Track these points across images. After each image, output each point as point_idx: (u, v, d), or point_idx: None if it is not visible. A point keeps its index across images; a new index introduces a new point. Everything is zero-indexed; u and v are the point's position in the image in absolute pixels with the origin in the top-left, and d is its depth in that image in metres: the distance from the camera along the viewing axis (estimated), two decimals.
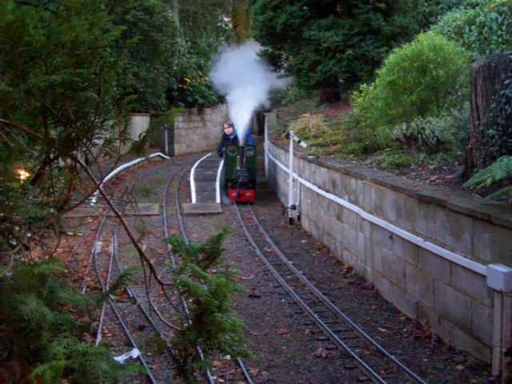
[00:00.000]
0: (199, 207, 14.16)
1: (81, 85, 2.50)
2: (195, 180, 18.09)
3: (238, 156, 15.38)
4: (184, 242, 3.04)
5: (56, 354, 2.21)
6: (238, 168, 15.14)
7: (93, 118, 2.63)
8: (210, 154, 26.17)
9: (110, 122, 2.76)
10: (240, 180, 14.77)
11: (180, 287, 2.65)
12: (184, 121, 28.19)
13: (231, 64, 18.76)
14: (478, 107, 6.97)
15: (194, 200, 15.19)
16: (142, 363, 5.73)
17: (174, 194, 16.08)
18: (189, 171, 20.30)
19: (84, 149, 2.67)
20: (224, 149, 16.41)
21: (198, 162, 23.40)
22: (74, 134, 2.52)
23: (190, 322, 2.79)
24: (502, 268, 5.43)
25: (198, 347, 2.85)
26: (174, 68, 26.23)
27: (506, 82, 6.60)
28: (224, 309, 2.62)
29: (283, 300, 7.83)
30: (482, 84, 6.87)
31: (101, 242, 10.43)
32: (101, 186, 3.01)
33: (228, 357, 5.92)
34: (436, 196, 6.59)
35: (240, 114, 16.82)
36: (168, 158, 26.01)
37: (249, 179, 14.98)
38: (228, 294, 2.60)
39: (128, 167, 19.56)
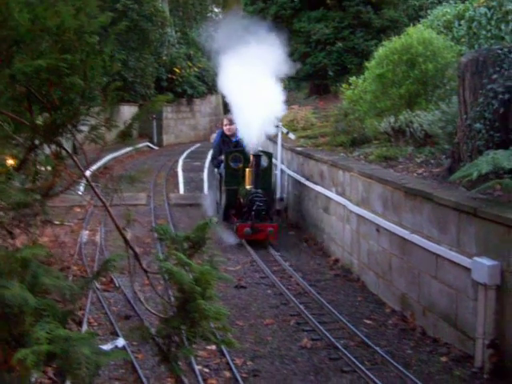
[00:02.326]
0: (187, 198, 14.14)
1: (66, 71, 2.49)
2: (183, 170, 18.05)
3: (248, 169, 10.40)
4: (170, 231, 3.04)
5: (38, 338, 2.21)
6: (249, 187, 10.26)
7: (78, 105, 2.62)
8: (198, 145, 26.14)
9: (96, 109, 2.75)
10: (256, 207, 9.79)
11: (165, 275, 2.66)
12: (173, 111, 28.12)
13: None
14: (465, 101, 6.99)
15: (181, 190, 15.16)
16: (127, 352, 5.73)
17: (161, 184, 16.04)
18: (177, 162, 20.26)
19: (69, 135, 2.66)
20: (223, 157, 11.14)
21: (187, 152, 23.36)
22: (58, 121, 2.51)
23: (174, 309, 2.80)
24: (486, 261, 5.47)
25: (183, 335, 2.86)
26: (164, 58, 26.14)
27: (494, 76, 6.63)
28: (208, 296, 2.63)
29: (269, 291, 7.85)
30: (469, 78, 6.89)
31: (87, 232, 10.40)
32: (87, 175, 3.01)
33: (213, 347, 5.93)
34: (423, 189, 6.62)
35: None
36: (156, 148, 25.95)
37: (267, 206, 10.07)
38: (212, 282, 2.61)
39: (116, 157, 19.49)
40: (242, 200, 10.38)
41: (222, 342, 2.89)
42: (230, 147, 11.42)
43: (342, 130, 12.06)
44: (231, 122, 11.61)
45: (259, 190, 10.04)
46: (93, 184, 2.91)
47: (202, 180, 16.41)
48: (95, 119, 2.76)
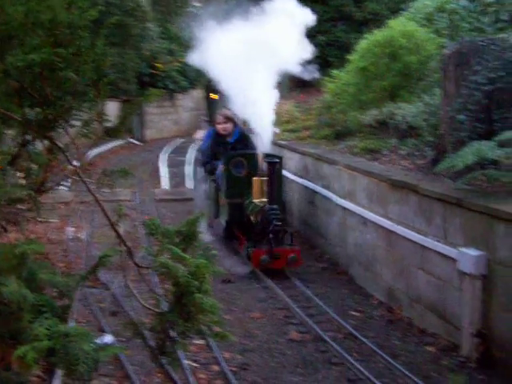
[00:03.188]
0: (172, 193, 14.11)
1: (60, 65, 2.48)
2: (167, 166, 17.99)
3: (256, 178, 8.47)
4: (160, 225, 3.04)
5: (37, 335, 2.20)
6: (257, 201, 8.33)
7: (71, 99, 2.61)
8: (182, 140, 26.03)
9: (88, 104, 2.73)
10: (272, 227, 7.84)
11: (159, 269, 2.66)
12: (155, 106, 27.98)
13: None
14: (449, 93, 7.03)
15: (166, 186, 15.12)
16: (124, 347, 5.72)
17: (146, 179, 15.99)
18: (161, 157, 20.19)
19: (62, 130, 2.65)
20: (218, 162, 9.35)
21: (170, 147, 23.27)
22: (51, 116, 2.50)
23: (169, 304, 2.80)
24: (472, 251, 5.53)
25: (178, 330, 2.86)
26: (145, 53, 26.00)
27: (477, 68, 6.67)
28: (204, 290, 2.63)
29: (257, 285, 7.86)
30: (453, 70, 6.93)
31: (73, 228, 10.35)
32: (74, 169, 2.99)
33: (202, 341, 5.93)
34: (408, 181, 6.67)
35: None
36: (139, 143, 25.82)
37: (285, 223, 8.45)
38: (207, 276, 2.62)
39: (100, 153, 19.38)
40: (252, 217, 8.33)
41: (216, 335, 2.91)
42: (226, 150, 9.35)
43: (326, 123, 12.08)
44: (227, 120, 9.55)
45: (275, 206, 7.93)
46: (85, 180, 2.90)
47: (186, 175, 16.36)
48: (87, 114, 2.75)
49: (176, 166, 17.81)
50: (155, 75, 26.93)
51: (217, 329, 3.07)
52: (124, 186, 13.39)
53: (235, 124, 9.63)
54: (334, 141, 10.64)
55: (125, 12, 21.56)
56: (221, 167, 9.07)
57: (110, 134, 2.92)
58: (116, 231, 3.11)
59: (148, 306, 3.30)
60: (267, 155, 8.50)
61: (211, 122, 30.25)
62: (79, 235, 9.99)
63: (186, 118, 30.77)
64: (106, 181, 2.99)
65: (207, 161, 9.80)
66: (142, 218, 11.33)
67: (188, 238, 2.85)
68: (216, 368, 5.52)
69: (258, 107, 8.43)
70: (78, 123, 2.84)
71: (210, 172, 9.70)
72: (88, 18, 2.53)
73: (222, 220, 9.17)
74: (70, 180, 3.23)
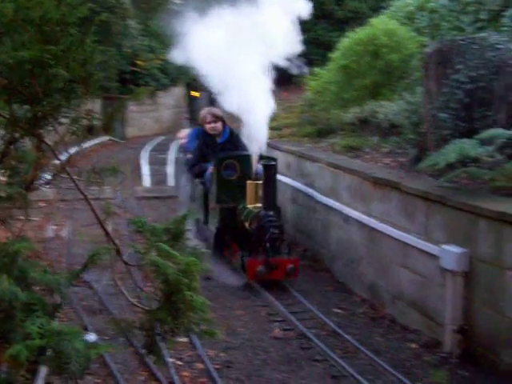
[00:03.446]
0: (153, 190, 14.06)
1: (50, 62, 2.46)
2: (149, 163, 17.91)
3: (251, 182, 7.86)
4: (147, 223, 3.04)
5: (29, 333, 2.18)
6: (251, 206, 7.79)
7: (60, 97, 2.59)
8: (163, 138, 25.94)
9: (77, 101, 2.71)
10: (269, 236, 7.31)
11: (148, 267, 2.65)
12: (136, 104, 27.85)
13: None
14: (430, 91, 7.09)
15: (148, 183, 15.07)
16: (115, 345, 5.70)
17: (127, 177, 15.89)
18: (142, 155, 20.10)
19: (50, 128, 2.63)
20: (207, 164, 8.75)
21: (151, 145, 23.18)
22: (40, 113, 2.48)
23: (159, 301, 2.80)
24: (454, 248, 5.58)
25: (167, 327, 2.86)
26: (126, 50, 25.87)
27: (458, 67, 6.73)
28: (193, 288, 2.63)
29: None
30: (434, 69, 6.99)
31: (54, 227, 10.28)
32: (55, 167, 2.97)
33: (185, 339, 5.93)
34: (390, 178, 6.71)
35: None
36: (120, 141, 25.70)
37: (282, 230, 7.60)
38: (196, 274, 2.62)
39: (80, 151, 19.22)
40: (246, 224, 7.73)
41: (204, 333, 2.91)
42: (215, 151, 8.70)
43: (308, 120, 12.11)
44: (217, 119, 8.90)
45: (271, 213, 7.41)
46: (75, 178, 2.89)
47: (168, 173, 16.31)
48: (76, 111, 2.73)
49: (158, 164, 17.74)
50: (136, 73, 26.81)
51: (204, 326, 3.08)
52: (105, 184, 13.30)
53: (225, 123, 9.03)
54: (316, 139, 10.67)
55: (106, 9, 21.45)
56: (210, 169, 8.50)
57: (99, 131, 2.91)
58: (105, 229, 3.10)
59: (136, 303, 3.29)
60: (262, 157, 8.01)
61: (193, 119, 30.22)
62: (61, 233, 9.93)
63: (167, 115, 30.67)
64: (95, 178, 2.97)
65: (195, 162, 9.09)
66: (124, 216, 11.29)
67: (176, 236, 2.85)
68: (200, 366, 5.52)
69: (251, 104, 7.74)
70: (66, 121, 2.83)
71: (198, 174, 9.00)
72: (77, 15, 2.52)
73: (212, 226, 8.51)
74: (51, 178, 3.20)
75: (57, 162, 2.98)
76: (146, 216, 11.31)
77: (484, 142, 5.91)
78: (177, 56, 8.28)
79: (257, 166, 7.89)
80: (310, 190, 8.90)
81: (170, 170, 16.46)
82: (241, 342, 6.11)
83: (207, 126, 8.96)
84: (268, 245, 7.30)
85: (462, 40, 6.99)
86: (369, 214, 7.08)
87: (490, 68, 6.53)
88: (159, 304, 2.77)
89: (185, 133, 10.69)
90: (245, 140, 8.16)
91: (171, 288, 2.60)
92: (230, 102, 7.83)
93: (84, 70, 2.56)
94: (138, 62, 26.55)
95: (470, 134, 6.35)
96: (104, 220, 3.04)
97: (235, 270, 7.89)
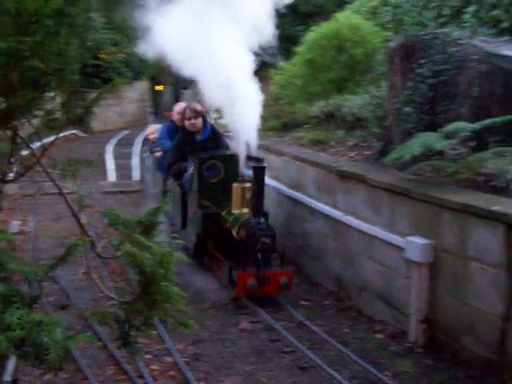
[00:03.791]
0: (118, 185, 13.98)
1: (26, 53, 2.43)
2: (113, 158, 17.80)
3: (237, 185, 7.24)
4: (121, 216, 3.04)
5: (10, 325, 2.17)
6: (237, 211, 7.19)
7: (34, 89, 2.57)
8: (126, 132, 25.80)
9: (51, 94, 2.70)
10: (261, 246, 6.69)
11: (124, 258, 2.66)
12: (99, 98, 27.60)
13: None
14: (395, 86, 7.18)
15: (112, 178, 14.97)
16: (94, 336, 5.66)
17: (90, 171, 15.72)
18: (106, 149, 19.97)
19: (25, 120, 2.61)
20: (187, 164, 8.11)
21: (115, 139, 23.04)
22: (14, 105, 2.46)
23: (135, 292, 2.81)
24: (419, 240, 5.67)
25: (142, 319, 2.87)
26: (89, 44, 25.60)
27: (422, 61, 6.82)
28: (169, 278, 2.65)
29: (205, 275, 7.86)
30: (399, 63, 7.08)
31: (18, 221, 10.16)
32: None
33: (153, 332, 5.92)
34: (356, 171, 6.79)
35: None
36: (83, 135, 25.43)
37: (275, 240, 6.88)
38: (171, 265, 2.64)
39: (42, 146, 19.00)
40: (233, 231, 7.04)
41: (180, 324, 2.93)
42: (195, 149, 8.02)
43: (273, 114, 12.15)
44: (197, 115, 8.17)
45: (262, 220, 6.86)
46: (50, 171, 2.87)
47: (133, 167, 16.23)
48: (50, 104, 2.71)
49: (122, 158, 17.65)
50: (99, 66, 26.58)
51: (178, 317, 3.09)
52: (68, 179, 13.17)
53: (205, 119, 8.40)
54: (281, 132, 10.72)
55: (67, 1, 21.17)
56: (191, 170, 7.87)
57: (76, 123, 2.90)
58: (79, 222, 3.09)
59: (112, 295, 3.29)
60: (249, 157, 7.27)
61: (157, 113, 30.05)
62: (25, 228, 9.83)
63: (130, 109, 30.48)
64: (70, 171, 2.96)
65: (172, 162, 8.33)
66: (88, 210, 11.21)
67: (149, 228, 2.86)
68: (169, 359, 5.53)
69: (237, 96, 6.95)
70: (40, 113, 2.81)
71: (176, 175, 8.29)
72: (52, 7, 2.50)
73: (192, 233, 7.76)
74: (13, 171, 3.16)
75: (34, 155, 2.97)
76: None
77: (448, 135, 6.01)
78: (146, 49, 7.48)
79: (243, 168, 7.32)
80: (275, 183, 8.94)
81: (135, 164, 16.36)
82: (209, 335, 6.13)
83: (186, 123, 8.23)
84: (260, 256, 6.68)
85: (426, 35, 7.09)
86: (335, 207, 7.15)
87: (452, 63, 6.64)
88: (135, 295, 2.77)
89: (153, 128, 10.31)
90: (231, 139, 7.57)
91: (148, 279, 2.61)
92: (212, 95, 7.13)
93: (59, 62, 2.55)
94: (101, 56, 26.32)
95: (433, 127, 6.45)
96: (78, 212, 3.03)
97: (219, 281, 7.35)
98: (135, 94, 30.97)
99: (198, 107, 8.26)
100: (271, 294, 6.82)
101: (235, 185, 7.23)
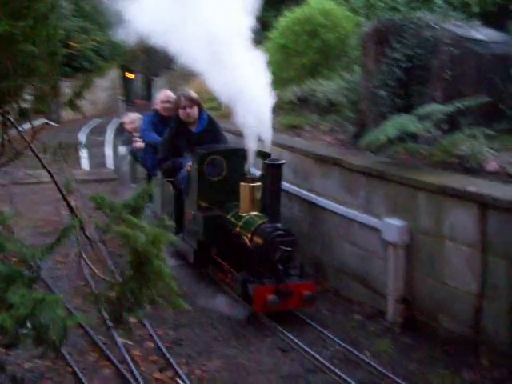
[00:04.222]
0: (92, 174, 13.90)
1: (19, 38, 2.42)
2: (86, 146, 17.65)
3: (245, 184, 6.38)
4: (107, 199, 3.06)
5: (12, 303, 2.19)
6: (244, 214, 6.37)
7: (25, 73, 2.57)
8: (99, 120, 25.61)
9: (40, 79, 2.69)
10: (280, 255, 5.93)
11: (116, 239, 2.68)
12: (71, 86, 27.32)
13: None
14: (369, 70, 7.26)
15: (86, 166, 14.88)
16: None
17: (65, 160, 15.57)
18: (79, 137, 19.83)
19: (15, 105, 2.61)
20: (183, 160, 7.25)
21: (88, 128, 22.88)
22: (5, 90, 2.45)
23: (128, 273, 2.83)
24: (395, 222, 5.77)
25: (134, 299, 2.90)
26: (58, 32, 25.30)
27: (396, 46, 6.90)
28: (161, 258, 2.68)
29: (181, 260, 7.86)
30: (373, 48, 7.16)
31: None
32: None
33: (133, 319, 5.93)
34: (332, 155, 6.85)
35: None
36: (55, 124, 25.20)
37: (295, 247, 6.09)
38: (163, 245, 2.67)
39: (14, 135, 18.78)
40: (245, 238, 6.19)
41: (172, 304, 2.96)
42: (190, 143, 7.19)
43: None
44: (192, 103, 7.33)
45: (279, 225, 6.04)
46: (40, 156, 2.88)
47: (106, 155, 16.14)
48: (38, 89, 2.71)
49: (95, 147, 17.53)
50: (70, 54, 26.29)
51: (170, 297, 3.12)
52: (40, 167, 13.04)
53: (202, 109, 7.52)
54: None
55: None
56: (188, 167, 7.01)
57: (67, 107, 2.91)
58: (69, 205, 3.11)
59: (103, 276, 3.32)
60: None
61: (129, 101, 29.85)
62: None
63: (102, 97, 30.24)
64: (60, 155, 2.98)
65: (164, 157, 7.43)
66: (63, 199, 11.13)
67: (136, 211, 2.88)
68: (150, 344, 5.57)
69: (244, 80, 6.11)
70: (30, 98, 2.82)
71: (168, 172, 7.44)
72: None
73: (191, 239, 6.91)
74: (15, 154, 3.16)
75: (25, 139, 2.97)
76: (85, 199, 11.20)
77: (422, 118, 6.09)
78: (124, 35, 6.44)
79: (250, 164, 6.57)
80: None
81: (109, 152, 16.29)
82: (189, 319, 6.15)
83: (181, 112, 7.36)
84: (280, 267, 5.94)
85: (400, 20, 7.17)
86: (311, 191, 7.21)
87: (425, 47, 6.73)
88: (129, 275, 2.80)
89: (131, 118, 9.64)
90: (239, 131, 6.56)
91: (141, 258, 2.64)
92: (215, 81, 6.20)
93: (48, 47, 2.55)
94: (71, 44, 26.04)
95: (407, 110, 6.54)
96: (66, 195, 3.05)
97: (229, 296, 6.50)
98: (106, 82, 30.74)
99: (194, 94, 7.46)
100: (293, 309, 6.04)
101: (243, 184, 6.39)
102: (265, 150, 6.48)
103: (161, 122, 8.17)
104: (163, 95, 8.51)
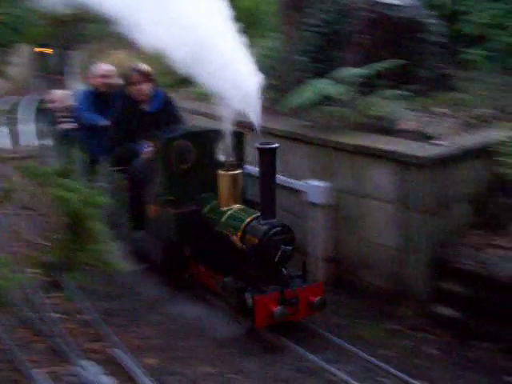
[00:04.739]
0: (10, 151, 13.51)
1: None
2: (1, 124, 17.11)
3: (224, 173, 5.54)
4: (39, 167, 3.04)
5: None
6: (225, 208, 5.45)
7: None
8: (14, 98, 24.79)
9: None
10: (280, 255, 4.93)
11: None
12: None
13: None
14: (288, 36, 7.34)
15: (4, 144, 14.43)
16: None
17: None
18: None
19: None
20: (137, 146, 6.13)
21: (2, 106, 22.14)
22: None
23: (62, 233, 2.83)
24: (319, 183, 5.92)
25: (69, 261, 2.90)
26: None
27: (312, 11, 7.01)
28: (97, 219, 2.69)
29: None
30: (291, 14, 7.24)
31: None
32: None
33: (61, 293, 5.83)
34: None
35: None
36: None
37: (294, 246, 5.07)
38: (98, 206, 2.68)
39: None
40: (233, 238, 5.21)
41: (110, 265, 2.95)
42: (143, 124, 6.22)
43: (167, 71, 12.03)
44: (145, 79, 6.41)
45: (275, 221, 5.10)
46: None
47: (20, 133, 15.66)
48: None
49: (12, 124, 17.03)
50: None
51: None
52: None
53: (155, 85, 6.60)
54: (177, 88, 10.68)
55: None
56: (147, 153, 5.95)
57: None
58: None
59: (38, 239, 3.29)
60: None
61: (45, 77, 28.97)
62: None
63: (15, 74, 29.27)
64: None
65: (115, 141, 6.39)
66: None
67: (65, 176, 2.88)
68: (82, 317, 5.53)
69: (223, 50, 5.37)
70: None
71: (120, 160, 6.35)
72: None
73: (158, 238, 5.86)
74: None
75: None
76: (6, 177, 10.90)
77: (339, 82, 6.23)
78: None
79: (226, 149, 5.65)
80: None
81: (23, 129, 15.82)
82: (120, 292, 6.12)
83: (132, 89, 6.41)
84: (284, 270, 5.01)
85: None
86: None
87: (341, 12, 6.87)
88: (64, 236, 2.79)
89: (58, 95, 8.43)
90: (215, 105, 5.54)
91: (75, 218, 2.63)
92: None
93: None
94: None
95: (323, 74, 6.66)
96: None
97: (216, 309, 5.50)
98: (20, 58, 29.75)
99: (146, 68, 6.51)
100: (302, 319, 5.12)
101: (222, 173, 5.51)
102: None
103: (99, 99, 7.18)
104: (101, 69, 7.50)
